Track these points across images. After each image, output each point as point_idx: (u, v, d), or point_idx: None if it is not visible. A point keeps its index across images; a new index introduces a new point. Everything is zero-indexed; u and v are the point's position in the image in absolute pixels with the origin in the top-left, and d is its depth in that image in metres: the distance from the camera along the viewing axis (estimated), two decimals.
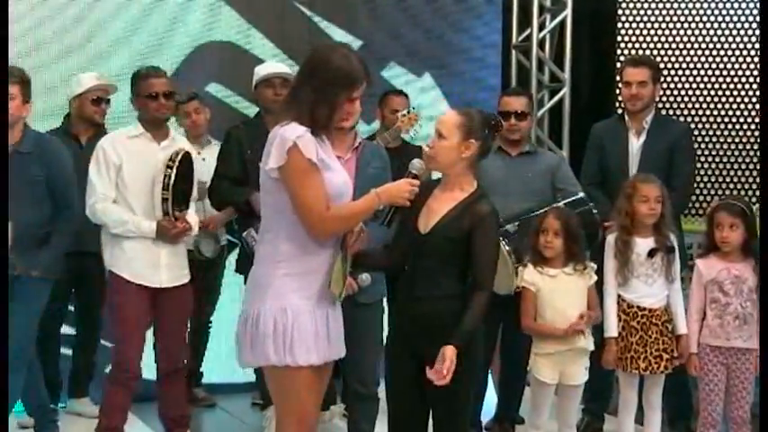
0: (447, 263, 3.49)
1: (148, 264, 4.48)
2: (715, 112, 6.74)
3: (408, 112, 5.22)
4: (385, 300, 4.47)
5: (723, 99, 6.73)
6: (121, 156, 4.46)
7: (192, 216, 4.65)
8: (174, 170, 4.40)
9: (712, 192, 6.71)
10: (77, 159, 5.17)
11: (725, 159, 6.74)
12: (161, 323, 4.61)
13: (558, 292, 4.34)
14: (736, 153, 6.71)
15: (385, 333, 4.39)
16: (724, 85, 6.73)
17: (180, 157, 4.44)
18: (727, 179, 6.74)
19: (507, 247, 4.43)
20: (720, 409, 4.52)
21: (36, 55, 5.64)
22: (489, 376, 5.17)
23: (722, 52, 6.73)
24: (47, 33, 5.69)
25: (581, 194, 4.83)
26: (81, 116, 5.25)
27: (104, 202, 4.46)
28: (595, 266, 4.42)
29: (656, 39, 6.79)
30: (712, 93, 6.73)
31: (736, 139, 6.71)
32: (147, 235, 4.45)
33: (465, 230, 3.45)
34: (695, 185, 6.57)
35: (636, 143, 5.17)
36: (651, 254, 4.48)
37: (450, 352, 3.31)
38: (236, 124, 5.17)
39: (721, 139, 6.73)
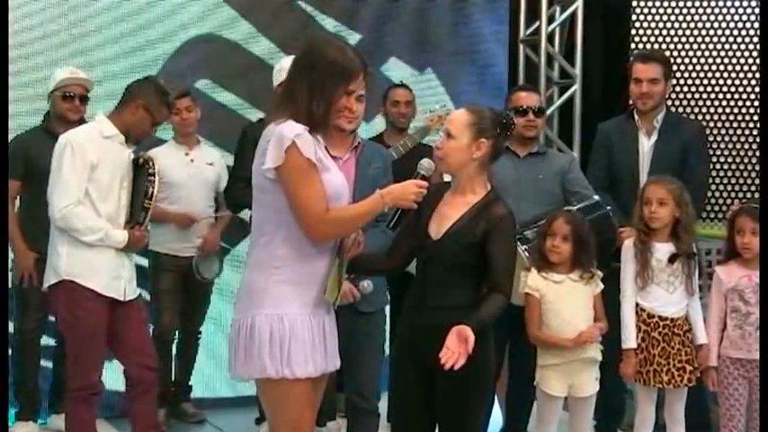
0: (460, 271, 3.49)
1: (113, 274, 4.41)
2: (735, 110, 6.72)
3: (440, 108, 5.26)
4: (387, 309, 4.48)
5: (744, 96, 6.71)
6: (99, 156, 4.37)
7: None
8: (157, 179, 4.41)
9: (732, 195, 6.70)
10: None
11: (745, 160, 6.73)
12: (128, 338, 4.50)
13: (564, 300, 4.34)
14: (758, 154, 6.70)
15: (387, 344, 4.41)
16: (745, 82, 6.70)
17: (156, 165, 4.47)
18: (748, 181, 6.72)
19: (527, 254, 4.43)
20: (743, 425, 4.52)
21: (21, 50, 5.66)
22: (494, 392, 5.16)
23: (742, 47, 6.71)
24: (31, 27, 5.71)
25: (596, 198, 4.83)
26: (55, 113, 5.25)
27: (79, 207, 4.32)
28: (602, 274, 4.42)
29: (672, 32, 6.78)
30: (732, 89, 6.71)
31: (758, 139, 6.69)
32: (118, 245, 4.39)
33: (479, 235, 3.46)
34: (714, 188, 6.60)
35: (647, 143, 5.18)
36: (672, 260, 4.49)
37: (471, 332, 3.23)
38: (251, 122, 5.16)
39: (742, 139, 6.71)
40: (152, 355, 4.61)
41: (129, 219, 4.47)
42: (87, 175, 4.33)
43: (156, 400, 4.69)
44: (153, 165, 4.46)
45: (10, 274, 5.19)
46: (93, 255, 4.35)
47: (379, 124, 6.13)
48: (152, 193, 4.43)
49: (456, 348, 3.22)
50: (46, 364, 5.46)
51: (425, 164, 3.50)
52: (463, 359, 3.21)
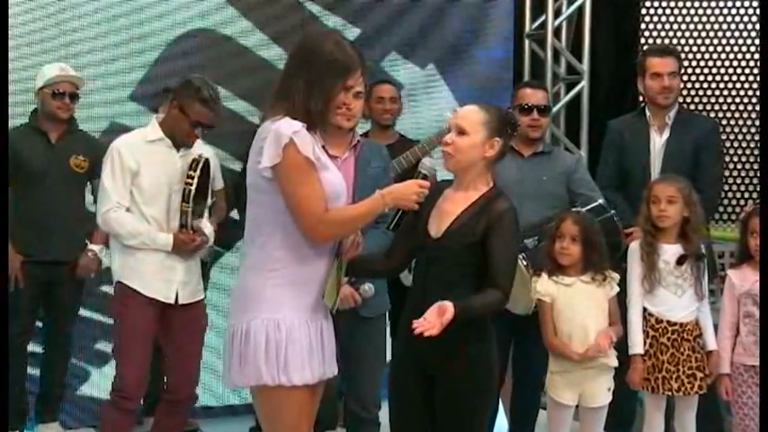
0: (461, 270, 3.49)
1: (162, 278, 4.50)
2: (749, 107, 6.71)
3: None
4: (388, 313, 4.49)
5: (758, 93, 6.68)
6: (139, 161, 4.47)
7: (208, 226, 4.69)
8: (195, 181, 4.45)
9: (746, 195, 6.69)
10: (46, 158, 5.19)
11: (760, 159, 6.72)
12: (174, 344, 4.61)
13: (576, 303, 4.35)
14: (758, 154, 6.67)
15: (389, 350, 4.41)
16: (760, 78, 6.70)
17: (201, 165, 4.50)
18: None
19: (525, 262, 4.42)
20: None
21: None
22: (499, 398, 5.16)
23: (757, 41, 6.71)
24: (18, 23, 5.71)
25: (600, 201, 4.82)
26: (44, 111, 5.25)
27: (118, 211, 4.45)
28: (618, 277, 4.42)
29: (683, 26, 6.78)
30: (746, 86, 6.70)
31: (760, 138, 6.67)
32: (163, 248, 4.47)
33: (481, 232, 3.46)
34: (726, 188, 6.59)
35: (659, 141, 5.20)
36: (680, 261, 4.49)
37: (451, 308, 3.24)
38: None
39: (756, 137, 6.70)
40: (193, 368, 4.69)
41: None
42: (129, 180, 4.46)
43: (185, 413, 4.76)
44: (194, 166, 4.50)
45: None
46: (141, 256, 4.48)
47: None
48: (188, 194, 4.46)
49: (432, 320, 3.23)
50: (33, 372, 5.45)
51: (427, 163, 3.51)
52: (436, 330, 3.21)
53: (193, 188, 4.46)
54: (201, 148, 5.64)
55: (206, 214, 4.73)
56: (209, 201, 4.79)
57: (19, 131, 5.28)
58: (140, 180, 4.47)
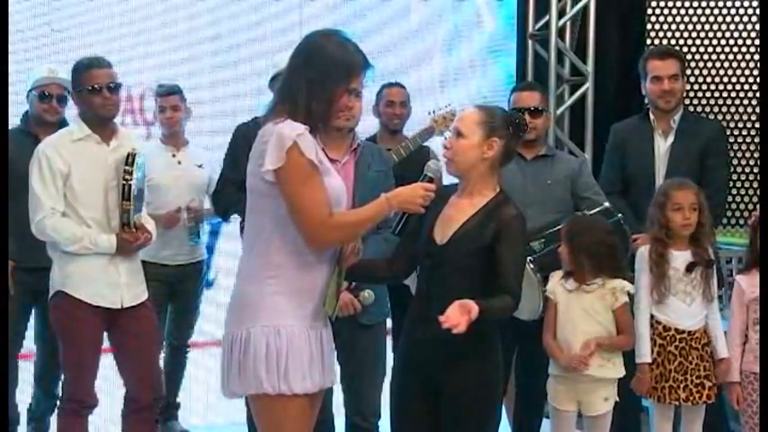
0: (467, 278, 3.50)
1: (107, 283, 4.46)
2: (758, 110, 6.71)
3: (445, 109, 5.29)
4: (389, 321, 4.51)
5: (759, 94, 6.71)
6: (69, 162, 4.40)
7: (150, 222, 4.65)
8: (134, 176, 4.38)
9: (755, 199, 6.70)
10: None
11: None
12: (128, 349, 4.57)
13: (570, 312, 4.37)
14: (758, 155, 6.68)
15: (389, 359, 4.43)
16: None
17: (137, 159, 4.43)
18: None
19: (532, 266, 4.45)
20: None
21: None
22: (503, 406, 5.17)
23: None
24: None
25: (606, 205, 4.84)
26: (33, 114, 5.26)
27: (53, 218, 4.39)
28: (628, 286, 4.42)
29: (690, 27, 6.79)
30: (754, 88, 6.71)
31: None
32: (107, 251, 4.42)
33: (488, 239, 3.48)
34: (735, 192, 6.60)
35: (663, 145, 5.20)
36: (690, 268, 4.51)
37: (475, 306, 3.23)
38: (245, 121, 5.18)
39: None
40: (149, 370, 4.65)
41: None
42: (60, 183, 4.40)
43: (152, 422, 4.72)
44: (132, 160, 4.40)
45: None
46: (83, 263, 4.42)
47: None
48: (128, 191, 4.38)
49: (457, 317, 3.20)
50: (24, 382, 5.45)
51: (432, 165, 3.53)
52: (464, 327, 3.19)
53: (133, 184, 4.37)
54: (197, 152, 5.69)
55: (144, 210, 4.65)
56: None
57: (9, 134, 5.29)
58: (72, 181, 4.40)
